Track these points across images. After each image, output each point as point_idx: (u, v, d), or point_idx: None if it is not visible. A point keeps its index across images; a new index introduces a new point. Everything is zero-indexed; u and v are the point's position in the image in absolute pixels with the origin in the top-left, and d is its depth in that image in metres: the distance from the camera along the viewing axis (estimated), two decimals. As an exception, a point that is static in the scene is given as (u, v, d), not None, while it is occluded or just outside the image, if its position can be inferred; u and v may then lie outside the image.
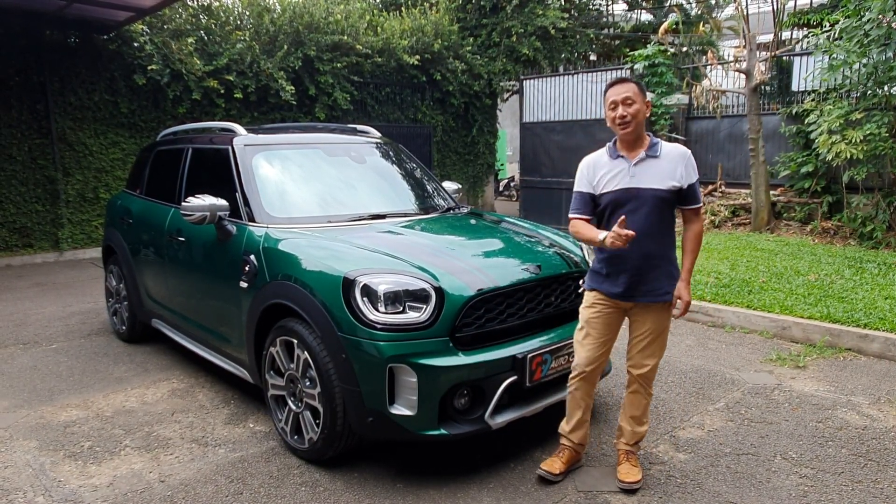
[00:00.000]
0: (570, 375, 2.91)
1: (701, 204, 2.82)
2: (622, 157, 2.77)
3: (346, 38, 10.57)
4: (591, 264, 2.96)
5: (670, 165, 2.72)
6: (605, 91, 2.80)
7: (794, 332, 4.98)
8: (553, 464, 2.93)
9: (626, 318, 2.90)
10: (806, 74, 9.26)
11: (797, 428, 3.48)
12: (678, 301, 2.78)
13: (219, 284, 3.76)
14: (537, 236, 3.79)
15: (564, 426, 3.00)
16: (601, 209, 2.80)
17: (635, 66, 11.05)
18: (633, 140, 2.74)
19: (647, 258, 2.73)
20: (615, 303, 2.82)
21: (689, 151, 2.80)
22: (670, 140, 10.91)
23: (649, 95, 10.76)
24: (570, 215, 2.86)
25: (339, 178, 4.16)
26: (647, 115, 2.76)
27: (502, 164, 19.66)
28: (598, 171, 2.80)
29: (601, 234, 2.63)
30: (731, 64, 10.41)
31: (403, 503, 2.78)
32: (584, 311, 2.90)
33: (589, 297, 2.90)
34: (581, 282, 3.36)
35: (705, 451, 3.22)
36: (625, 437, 2.98)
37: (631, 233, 2.53)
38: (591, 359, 2.84)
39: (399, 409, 2.78)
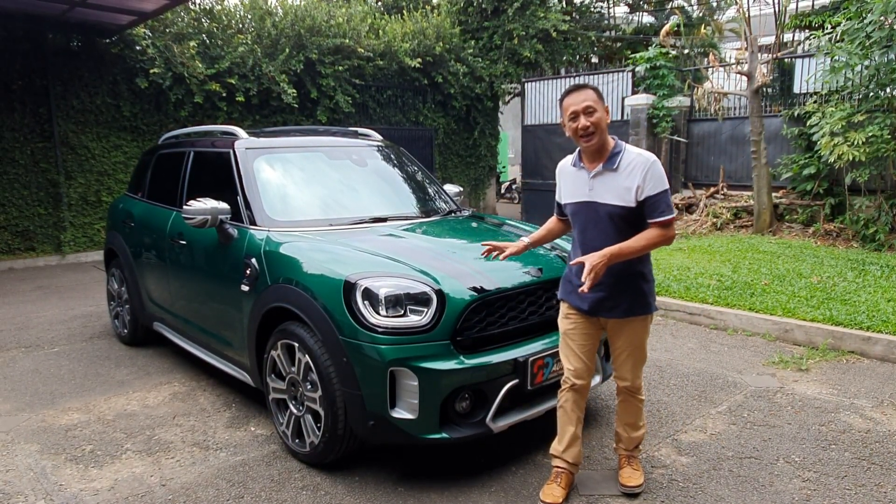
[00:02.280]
0: (560, 389, 2.81)
1: (668, 217, 2.53)
2: (583, 168, 2.67)
3: (347, 41, 10.59)
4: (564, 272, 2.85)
5: (627, 180, 2.54)
6: (562, 100, 2.63)
7: (796, 335, 4.97)
8: (553, 491, 2.77)
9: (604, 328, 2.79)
10: (808, 76, 9.25)
11: (800, 431, 3.47)
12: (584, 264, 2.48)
13: (220, 288, 3.76)
14: (539, 239, 3.78)
15: (557, 446, 2.83)
16: (569, 219, 2.79)
17: (637, 69, 11.06)
18: (595, 150, 2.61)
19: (612, 274, 2.58)
20: (586, 316, 2.73)
21: (654, 159, 2.57)
22: (672, 143, 10.92)
23: (651, 98, 10.78)
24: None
25: (341, 182, 4.17)
26: (608, 121, 2.62)
27: (504, 167, 19.66)
28: (564, 180, 2.76)
29: (524, 238, 2.97)
30: (733, 66, 10.40)
31: (405, 507, 2.78)
32: (561, 323, 2.81)
33: (563, 307, 2.81)
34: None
35: (708, 455, 3.21)
36: (623, 442, 2.94)
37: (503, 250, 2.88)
38: (578, 371, 2.74)
39: (400, 413, 2.77)
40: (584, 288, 2.46)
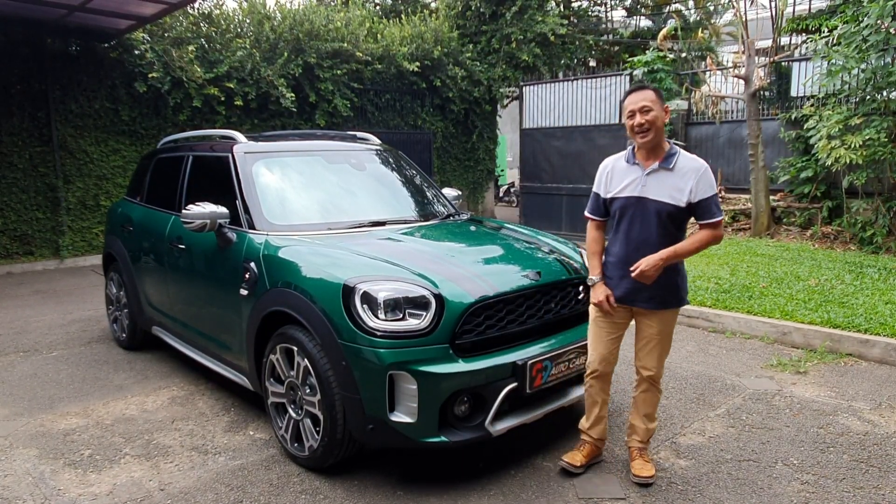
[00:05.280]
0: (585, 374, 3.02)
1: (718, 218, 2.74)
2: (637, 164, 2.81)
3: (346, 45, 10.60)
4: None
5: (682, 181, 2.72)
6: (623, 100, 2.83)
7: (794, 338, 4.98)
8: (574, 457, 3.03)
9: (633, 317, 2.96)
10: (805, 80, 9.27)
11: (798, 434, 3.47)
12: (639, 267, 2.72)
13: (219, 292, 3.76)
14: (537, 243, 3.79)
15: (584, 423, 3.09)
16: (612, 213, 2.89)
17: (635, 73, 11.08)
18: (650, 148, 2.77)
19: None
20: (618, 303, 2.89)
21: (706, 165, 2.76)
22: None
23: (649, 101, 10.77)
24: (586, 213, 3.02)
25: (339, 186, 4.17)
26: (667, 121, 2.77)
27: (502, 170, 19.69)
28: (613, 176, 2.87)
29: (593, 276, 2.92)
30: (731, 69, 10.44)
31: (404, 511, 2.78)
32: (592, 309, 2.97)
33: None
34: (581, 288, 3.38)
35: (706, 458, 3.21)
36: (638, 434, 3.04)
37: (608, 309, 2.81)
38: (602, 356, 2.93)
39: (399, 417, 2.77)
40: (636, 275, 2.70)
